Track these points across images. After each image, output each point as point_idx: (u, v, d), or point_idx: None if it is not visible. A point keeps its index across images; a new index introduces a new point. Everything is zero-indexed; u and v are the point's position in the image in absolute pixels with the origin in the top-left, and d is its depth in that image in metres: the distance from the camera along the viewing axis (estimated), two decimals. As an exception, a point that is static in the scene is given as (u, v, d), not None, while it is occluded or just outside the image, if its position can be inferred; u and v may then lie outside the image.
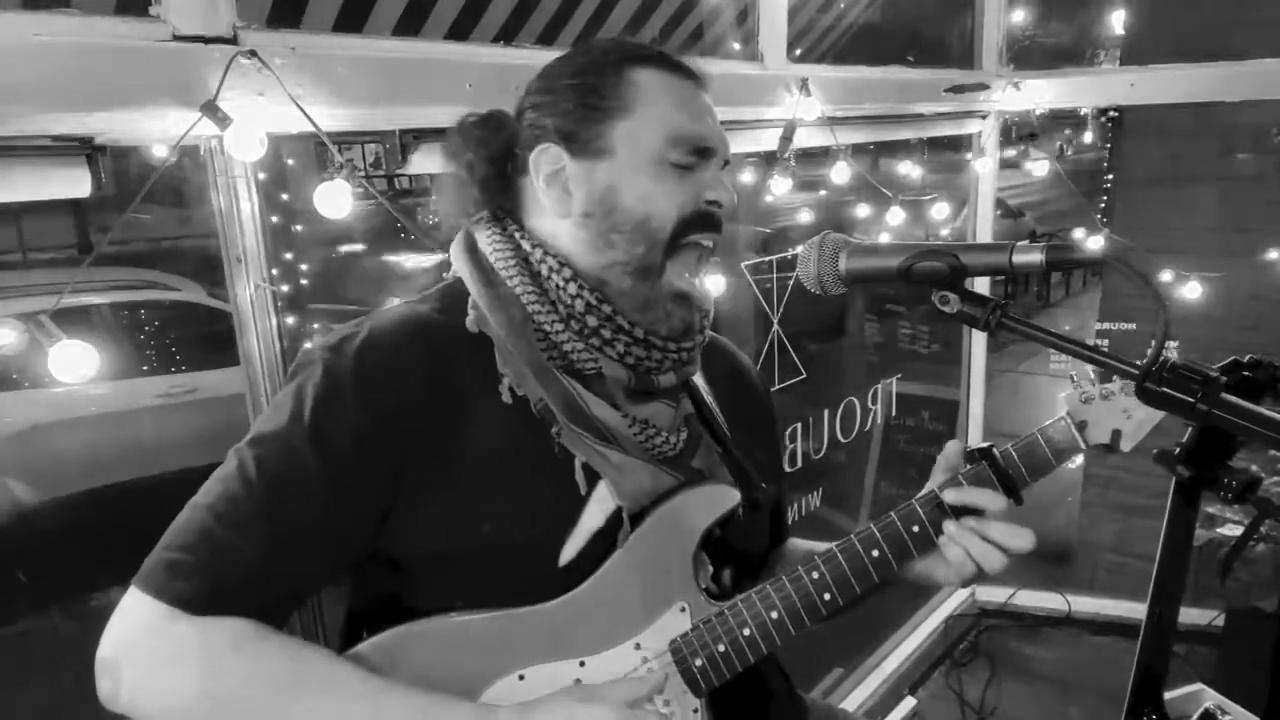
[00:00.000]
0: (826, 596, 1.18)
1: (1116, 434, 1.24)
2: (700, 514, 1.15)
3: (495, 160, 1.17)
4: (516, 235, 1.17)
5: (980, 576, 1.19)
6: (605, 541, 1.12)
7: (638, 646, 1.13)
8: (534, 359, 1.11)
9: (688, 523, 1.15)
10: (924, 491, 1.22)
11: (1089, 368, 1.26)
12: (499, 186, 1.19)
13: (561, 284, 1.13)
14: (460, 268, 1.19)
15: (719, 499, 1.17)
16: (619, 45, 1.18)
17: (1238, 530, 2.88)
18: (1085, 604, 3.72)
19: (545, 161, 1.14)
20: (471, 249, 1.19)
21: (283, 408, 1.05)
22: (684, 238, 1.14)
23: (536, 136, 1.15)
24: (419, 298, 1.20)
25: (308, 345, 1.11)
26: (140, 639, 0.97)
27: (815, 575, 1.18)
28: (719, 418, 1.31)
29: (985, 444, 1.23)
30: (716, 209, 1.16)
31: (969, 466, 1.21)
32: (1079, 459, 1.29)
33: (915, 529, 1.20)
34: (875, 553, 1.19)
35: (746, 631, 1.15)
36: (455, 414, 1.08)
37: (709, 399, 1.31)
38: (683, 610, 1.15)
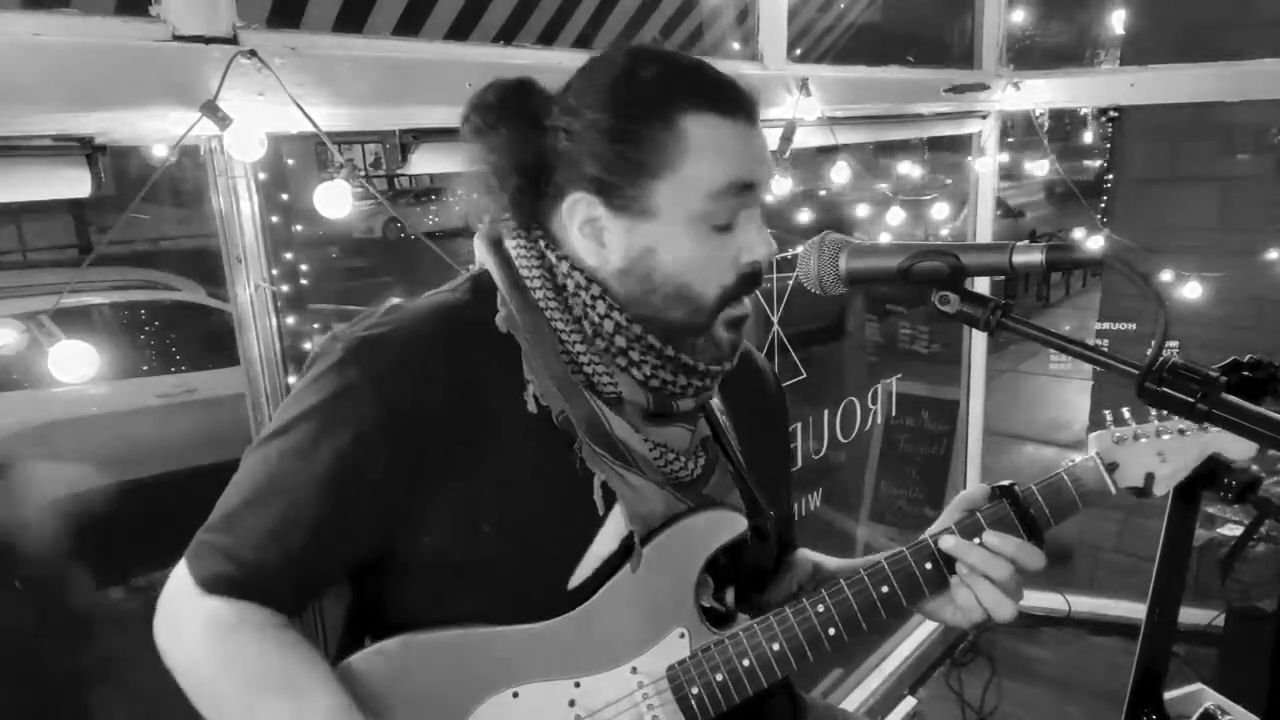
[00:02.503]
0: (831, 631, 1.14)
1: (1150, 477, 1.19)
2: (705, 540, 1.12)
3: (528, 172, 1.08)
4: (542, 244, 1.10)
5: (988, 623, 1.15)
6: (616, 566, 1.09)
7: (634, 670, 1.10)
8: (558, 371, 1.07)
9: (692, 548, 1.12)
10: (938, 527, 1.18)
11: (1126, 409, 1.21)
12: (529, 200, 1.10)
13: (589, 301, 1.07)
14: (485, 261, 1.14)
15: (725, 525, 1.14)
16: (667, 81, 1.05)
17: (1238, 530, 2.88)
18: (1085, 604, 3.72)
19: (580, 210, 1.07)
20: (497, 245, 1.14)
21: (298, 404, 1.03)
22: (727, 306, 1.10)
23: (570, 180, 1.06)
24: (450, 287, 1.15)
25: (332, 334, 1.06)
26: (167, 603, 1.06)
27: (820, 609, 1.14)
28: (733, 441, 1.26)
29: (1006, 482, 1.18)
30: (758, 268, 1.11)
31: (989, 504, 1.17)
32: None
33: (928, 566, 1.16)
34: (885, 589, 1.15)
35: (746, 662, 1.12)
36: (477, 418, 1.05)
37: (724, 419, 1.27)
38: (682, 636, 1.12)
